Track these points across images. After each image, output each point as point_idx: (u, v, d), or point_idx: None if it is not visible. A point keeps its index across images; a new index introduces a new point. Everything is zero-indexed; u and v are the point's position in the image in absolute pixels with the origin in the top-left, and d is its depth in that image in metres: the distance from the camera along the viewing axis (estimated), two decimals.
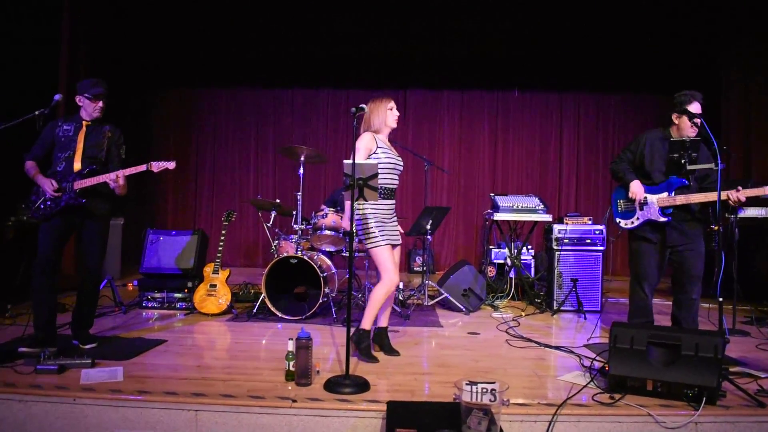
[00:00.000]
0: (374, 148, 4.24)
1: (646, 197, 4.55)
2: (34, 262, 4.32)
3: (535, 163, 10.17)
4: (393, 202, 4.40)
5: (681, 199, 4.40)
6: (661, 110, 8.90)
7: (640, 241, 4.65)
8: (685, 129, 4.47)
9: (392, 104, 4.40)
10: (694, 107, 4.43)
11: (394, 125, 4.41)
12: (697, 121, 4.36)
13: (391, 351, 4.45)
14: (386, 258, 4.22)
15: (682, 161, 4.34)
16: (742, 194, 4.21)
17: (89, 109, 4.46)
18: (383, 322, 4.53)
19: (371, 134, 4.30)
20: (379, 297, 4.24)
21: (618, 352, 3.56)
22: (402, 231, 4.60)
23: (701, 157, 4.40)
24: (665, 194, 4.49)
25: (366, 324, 4.29)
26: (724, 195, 4.19)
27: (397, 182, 4.40)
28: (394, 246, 4.37)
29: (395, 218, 4.46)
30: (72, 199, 4.33)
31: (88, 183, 4.35)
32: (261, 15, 8.40)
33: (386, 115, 4.35)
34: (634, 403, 3.36)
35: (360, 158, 4.15)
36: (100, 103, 4.47)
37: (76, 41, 7.41)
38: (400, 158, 4.42)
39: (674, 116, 4.54)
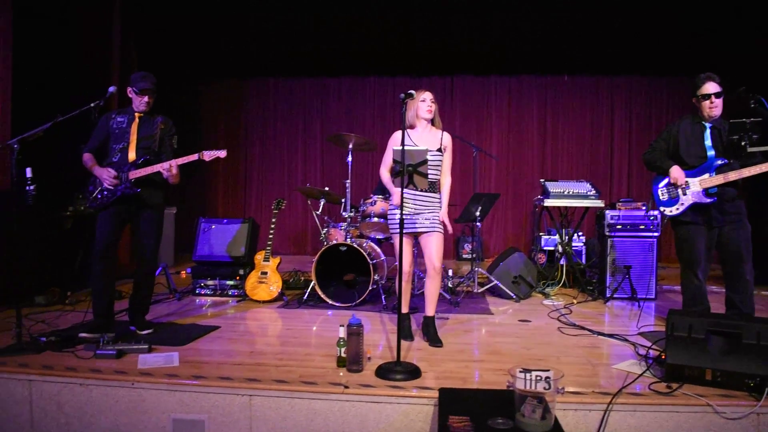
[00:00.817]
0: (396, 145, 4.17)
1: (687, 181, 4.45)
2: (93, 251, 4.44)
3: (586, 149, 9.97)
4: (430, 195, 4.37)
5: (732, 175, 4.25)
6: None
7: (687, 226, 4.53)
8: (705, 110, 4.42)
9: (425, 95, 4.38)
10: (710, 87, 4.37)
11: (427, 116, 4.37)
12: (715, 101, 4.35)
13: (434, 341, 4.36)
14: (399, 248, 4.18)
15: (743, 143, 4.17)
16: None
17: (136, 102, 4.58)
18: (428, 311, 4.48)
19: (399, 132, 4.22)
20: (401, 285, 4.18)
21: (675, 340, 3.47)
22: (435, 221, 4.40)
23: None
24: (706, 175, 4.39)
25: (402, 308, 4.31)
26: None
27: (434, 176, 4.37)
28: (421, 234, 4.38)
29: (431, 210, 4.38)
30: (128, 188, 4.43)
31: (143, 173, 4.45)
32: (307, 4, 8.41)
33: (418, 107, 4.35)
34: (692, 392, 3.27)
35: (388, 157, 4.38)
36: (146, 98, 4.56)
37: (127, 33, 7.58)
38: (432, 152, 4.30)
39: (694, 100, 4.51)
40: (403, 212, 4.23)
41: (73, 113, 4.37)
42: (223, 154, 4.59)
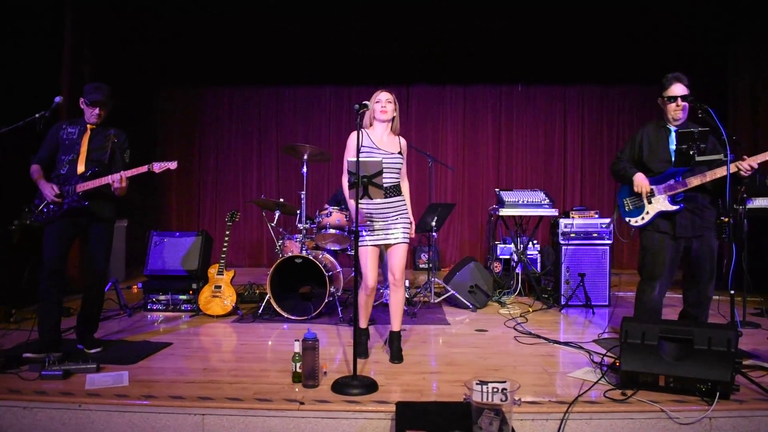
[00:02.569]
0: (356, 147, 4.07)
1: (652, 189, 4.35)
2: (40, 266, 4.29)
3: (540, 157, 10.10)
4: (393, 200, 4.25)
5: (694, 181, 4.21)
6: None
7: (653, 235, 4.38)
8: (670, 112, 4.36)
9: (380, 96, 4.23)
10: (676, 89, 4.30)
11: (381, 117, 4.22)
12: (681, 103, 4.29)
13: (394, 358, 4.26)
14: (363, 261, 4.17)
15: (691, 152, 4.21)
16: (751, 160, 4.05)
17: (87, 114, 4.46)
18: (395, 325, 4.37)
19: (361, 132, 4.11)
20: (359, 300, 4.14)
21: (629, 347, 3.51)
22: (406, 230, 4.33)
23: (709, 148, 4.28)
24: (671, 181, 4.31)
25: (360, 322, 4.20)
26: (733, 167, 4.04)
27: (394, 179, 4.25)
28: (387, 246, 4.28)
29: (394, 217, 4.26)
30: (75, 201, 4.31)
31: (91, 185, 4.33)
32: (262, 13, 8.34)
33: (373, 108, 4.22)
34: (646, 399, 3.31)
35: (350, 156, 4.10)
36: (96, 110, 4.43)
37: (78, 42, 7.35)
38: (393, 154, 4.23)
39: (659, 101, 4.43)
40: (375, 226, 4.20)
41: (17, 124, 4.23)
42: (173, 165, 4.47)
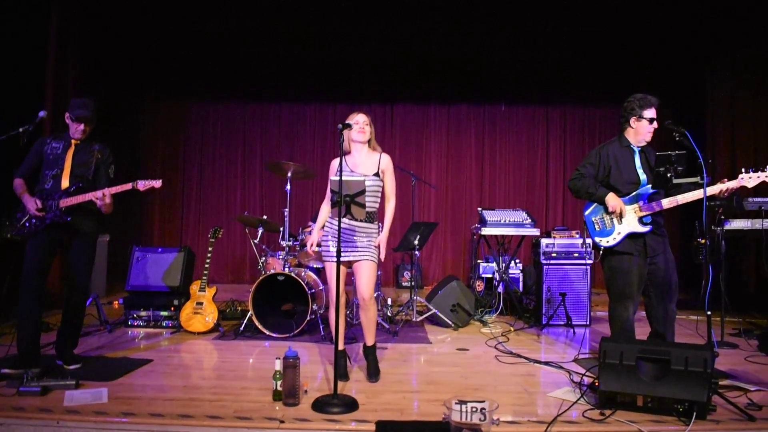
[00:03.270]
0: (335, 173, 4.12)
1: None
2: (20, 280, 4.26)
3: (523, 177, 10.19)
4: (367, 225, 4.25)
5: (667, 203, 4.26)
6: None
7: (621, 256, 4.37)
8: (643, 133, 4.42)
9: (357, 117, 4.27)
10: (653, 111, 4.39)
11: (358, 138, 4.26)
12: (654, 125, 4.38)
13: (370, 375, 4.25)
14: (328, 276, 4.25)
15: (668, 175, 4.28)
16: (731, 183, 4.13)
17: (72, 129, 4.47)
18: (367, 341, 4.39)
19: (336, 160, 4.21)
20: (332, 315, 4.12)
21: (607, 367, 3.55)
22: (372, 251, 4.30)
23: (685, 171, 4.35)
24: (640, 203, 4.35)
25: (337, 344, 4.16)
26: (716, 189, 4.13)
27: (373, 206, 4.27)
28: (352, 263, 4.28)
29: (361, 239, 4.25)
30: (57, 216, 4.31)
31: (74, 201, 4.33)
32: (249, 30, 8.40)
33: (351, 130, 4.26)
34: (624, 419, 3.35)
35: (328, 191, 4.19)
36: (81, 126, 4.45)
37: (63, 56, 7.36)
38: (368, 177, 4.21)
39: (632, 120, 4.46)
40: (330, 241, 4.24)
41: None
42: (158, 184, 4.50)
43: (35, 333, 4.32)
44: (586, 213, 4.59)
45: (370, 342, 4.40)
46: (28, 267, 4.27)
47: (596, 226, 4.49)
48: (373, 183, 4.24)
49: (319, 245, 5.82)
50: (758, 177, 4.13)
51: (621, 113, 4.58)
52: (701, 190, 4.12)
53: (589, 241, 6.23)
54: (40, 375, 3.91)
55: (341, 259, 4.14)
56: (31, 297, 4.25)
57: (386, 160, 4.39)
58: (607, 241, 4.40)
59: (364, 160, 4.33)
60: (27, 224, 4.32)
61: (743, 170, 4.19)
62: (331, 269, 4.22)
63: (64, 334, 4.52)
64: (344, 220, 4.13)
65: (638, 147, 4.49)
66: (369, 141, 4.36)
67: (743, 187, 4.19)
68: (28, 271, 4.26)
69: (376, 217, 4.35)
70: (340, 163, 3.90)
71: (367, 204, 4.11)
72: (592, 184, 4.51)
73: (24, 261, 4.29)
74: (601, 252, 4.46)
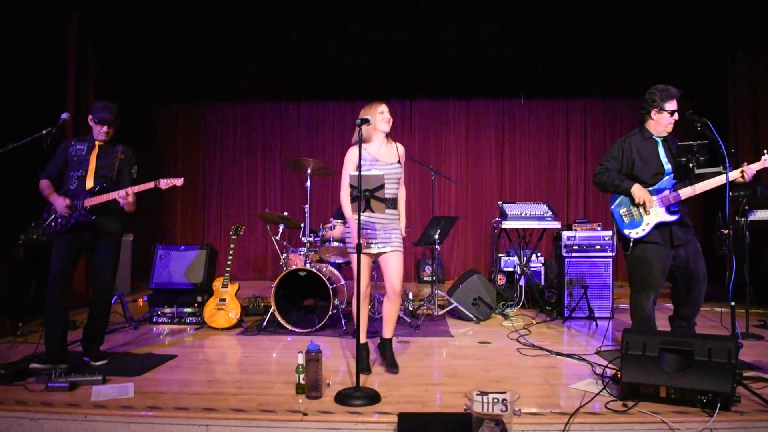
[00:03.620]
0: (357, 162, 4.13)
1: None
2: (48, 279, 4.34)
3: (543, 171, 10.13)
4: (390, 211, 4.28)
5: (687, 192, 4.28)
6: None
7: (645, 245, 4.39)
8: (664, 125, 4.43)
9: (382, 107, 4.32)
10: (675, 103, 4.39)
11: (385, 128, 4.31)
12: (676, 116, 4.38)
13: (390, 366, 4.29)
14: (356, 267, 4.13)
15: (690, 165, 4.26)
16: (752, 167, 4.15)
17: (95, 131, 4.56)
18: (386, 333, 4.44)
19: (355, 147, 4.24)
20: (355, 308, 4.18)
21: (630, 359, 3.53)
22: (399, 240, 4.37)
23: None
24: (665, 192, 4.37)
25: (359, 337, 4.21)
26: (737, 173, 4.15)
27: (393, 192, 4.30)
28: (381, 254, 4.30)
29: (389, 227, 4.30)
30: (82, 216, 4.39)
31: (98, 200, 4.41)
32: (266, 29, 8.43)
33: (375, 120, 4.29)
34: (647, 410, 3.33)
35: (345, 180, 4.21)
36: (105, 128, 4.54)
37: (83, 58, 7.46)
38: (392, 165, 4.31)
39: (654, 112, 4.46)
40: (364, 233, 4.21)
41: (23, 141, 4.32)
42: (179, 182, 4.57)
43: (63, 330, 4.40)
44: (613, 206, 4.61)
45: (389, 334, 4.44)
46: (55, 266, 4.35)
47: (625, 219, 4.50)
48: (398, 170, 4.33)
49: (342, 241, 5.87)
50: None
51: (642, 104, 4.57)
52: (719, 177, 4.12)
53: (608, 232, 6.27)
54: (67, 371, 3.99)
55: (371, 251, 4.24)
56: (57, 295, 4.33)
57: (402, 150, 4.50)
58: (637, 233, 4.42)
59: (386, 149, 4.38)
60: (53, 224, 4.40)
61: (766, 151, 4.17)
62: (357, 261, 4.21)
63: (91, 332, 4.60)
64: (376, 214, 4.15)
65: (660, 138, 4.48)
66: (387, 132, 4.41)
67: None
68: (55, 270, 4.34)
69: (396, 203, 4.39)
70: (360, 158, 3.90)
71: (389, 192, 4.17)
72: (617, 177, 4.51)
73: (51, 261, 4.37)
74: (631, 244, 4.45)
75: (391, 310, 4.39)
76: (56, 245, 4.42)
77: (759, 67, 7.92)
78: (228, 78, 9.88)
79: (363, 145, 4.26)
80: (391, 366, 4.30)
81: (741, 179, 4.20)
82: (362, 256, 4.19)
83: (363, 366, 4.19)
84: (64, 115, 4.52)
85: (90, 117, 4.56)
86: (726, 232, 4.23)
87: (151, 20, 8.12)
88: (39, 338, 4.58)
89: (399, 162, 4.39)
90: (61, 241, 4.42)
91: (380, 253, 4.31)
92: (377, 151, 4.34)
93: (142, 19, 8.08)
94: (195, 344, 5.32)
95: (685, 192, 4.30)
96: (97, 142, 4.57)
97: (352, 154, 4.33)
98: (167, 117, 10.39)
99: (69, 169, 4.53)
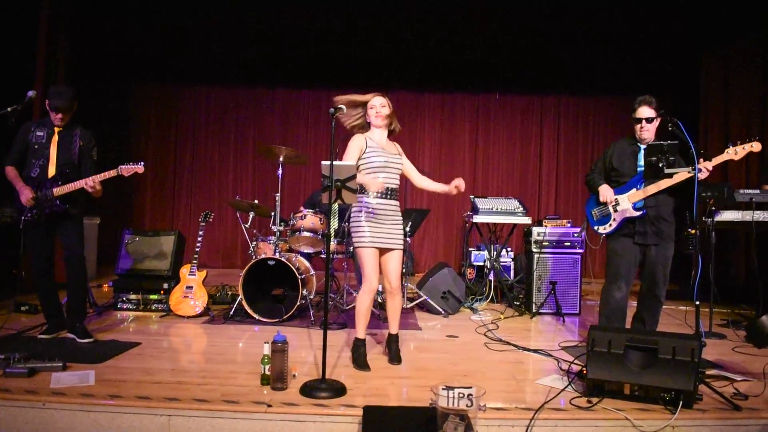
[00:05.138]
0: (365, 149, 4.15)
1: (617, 198, 4.53)
2: (33, 266, 4.75)
3: (516, 166, 10.19)
4: (393, 202, 4.25)
5: (651, 189, 4.39)
6: None
7: (618, 239, 4.57)
8: (637, 132, 4.54)
9: (373, 101, 4.23)
10: (643, 111, 4.47)
11: (378, 123, 4.24)
12: (645, 125, 4.46)
13: (393, 359, 4.32)
14: (368, 262, 4.11)
15: (660, 165, 4.32)
16: (716, 159, 4.25)
17: (51, 116, 4.60)
18: (392, 329, 4.40)
19: (363, 137, 4.21)
20: (361, 305, 4.17)
21: (596, 355, 3.56)
22: (401, 237, 4.33)
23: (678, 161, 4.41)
24: (634, 189, 4.48)
25: (357, 332, 4.25)
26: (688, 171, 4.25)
27: (396, 182, 4.26)
28: (385, 250, 4.23)
29: (396, 221, 4.26)
30: (56, 206, 4.53)
31: (66, 190, 4.53)
32: (243, 13, 8.33)
33: (368, 114, 4.25)
34: (611, 406, 3.35)
35: (351, 158, 4.12)
36: (60, 115, 4.57)
37: (54, 35, 7.26)
38: (397, 156, 4.30)
39: (632, 121, 4.58)
40: (379, 226, 4.16)
41: None
42: (140, 168, 4.70)
43: (56, 304, 4.85)
44: (587, 207, 4.84)
45: (395, 330, 4.40)
46: (36, 255, 4.68)
47: (595, 217, 4.74)
48: (398, 162, 4.29)
49: (314, 231, 5.82)
50: (743, 149, 4.24)
51: None
52: (679, 174, 4.27)
53: (576, 229, 6.34)
54: (27, 357, 3.89)
55: (378, 246, 4.16)
56: (46, 279, 4.74)
57: (399, 147, 4.48)
58: (605, 228, 4.64)
59: (386, 141, 4.34)
60: (28, 216, 4.54)
61: (729, 145, 4.29)
62: (369, 255, 4.14)
63: (72, 307, 4.75)
64: (383, 200, 4.16)
65: (644, 146, 4.56)
66: (392, 123, 4.36)
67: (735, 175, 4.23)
68: (38, 256, 4.69)
69: (397, 194, 4.32)
70: (331, 148, 3.84)
71: (391, 182, 4.20)
72: (597, 178, 4.75)
73: (31, 248, 4.64)
74: (602, 239, 4.71)
75: (393, 306, 4.37)
76: (33, 235, 4.62)
77: (731, 66, 8.05)
78: (203, 61, 9.76)
79: (367, 134, 4.26)
80: (393, 359, 4.31)
81: (704, 173, 4.25)
82: (371, 250, 4.14)
83: (361, 363, 4.16)
84: (30, 93, 4.50)
85: (46, 101, 4.56)
86: (693, 231, 4.29)
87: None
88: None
89: (400, 154, 4.39)
90: (39, 231, 4.61)
91: (387, 249, 4.23)
92: (380, 141, 4.28)
93: None
94: (160, 332, 5.24)
95: (648, 189, 4.41)
96: (56, 128, 4.61)
97: (353, 142, 4.22)
98: (139, 98, 10.21)
99: (30, 156, 4.61)
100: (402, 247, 4.31)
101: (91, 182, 4.47)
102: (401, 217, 4.35)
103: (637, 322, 4.69)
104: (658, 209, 4.45)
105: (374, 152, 4.17)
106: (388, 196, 4.21)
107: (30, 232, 4.60)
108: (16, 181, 4.54)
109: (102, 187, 4.56)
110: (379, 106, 4.23)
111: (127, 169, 4.61)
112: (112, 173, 4.57)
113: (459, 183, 4.33)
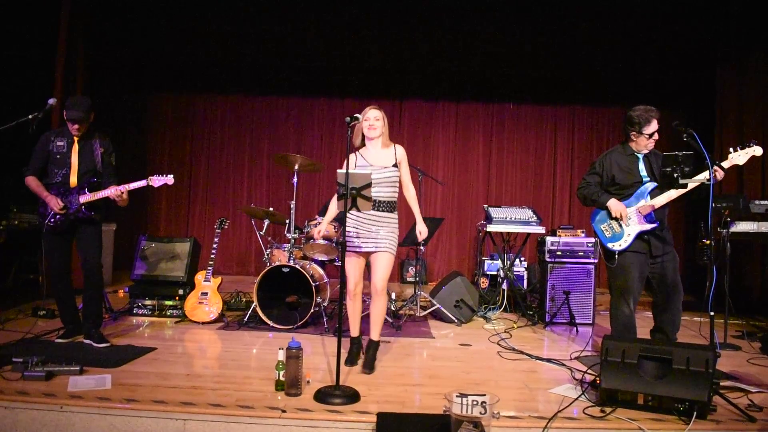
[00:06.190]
0: (354, 168, 4.23)
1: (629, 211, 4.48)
2: (51, 272, 4.80)
3: (529, 176, 10.16)
4: (383, 214, 4.34)
5: (661, 200, 4.37)
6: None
7: (628, 254, 4.46)
8: (642, 145, 4.50)
9: (367, 114, 4.33)
10: (655, 124, 4.44)
11: (369, 134, 4.35)
12: (654, 137, 4.45)
13: (365, 366, 4.28)
14: (345, 265, 4.23)
15: (675, 175, 4.30)
16: (720, 170, 4.22)
17: (69, 126, 4.65)
18: (373, 335, 4.44)
19: (355, 155, 4.36)
20: (345, 306, 4.29)
21: (609, 365, 3.56)
22: (392, 242, 4.40)
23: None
24: (643, 201, 4.44)
25: (350, 331, 4.44)
26: (703, 177, 4.21)
27: (386, 195, 4.35)
28: (369, 254, 4.35)
29: (381, 229, 4.33)
30: (81, 213, 4.61)
31: (94, 197, 4.62)
32: (258, 23, 8.41)
33: (361, 126, 4.34)
34: (624, 416, 3.35)
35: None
36: (76, 126, 4.62)
37: (72, 45, 7.35)
38: (386, 169, 4.34)
39: (633, 134, 4.52)
40: (354, 232, 4.29)
41: (8, 125, 4.29)
42: (170, 180, 4.88)
43: (74, 310, 4.92)
44: (594, 222, 4.71)
45: (375, 336, 4.44)
46: (55, 259, 4.73)
47: (606, 233, 4.59)
48: (392, 174, 4.37)
49: (329, 239, 5.87)
50: (746, 153, 4.26)
51: (624, 121, 4.65)
52: (690, 183, 4.24)
53: (591, 239, 6.31)
54: (44, 361, 3.94)
55: (361, 250, 4.30)
56: (64, 284, 4.80)
57: (401, 151, 4.51)
58: (620, 245, 4.49)
59: (379, 154, 4.41)
60: (52, 222, 4.59)
61: (731, 149, 4.29)
62: (348, 260, 4.32)
63: (89, 313, 4.80)
64: (362, 213, 4.21)
65: (641, 154, 4.56)
66: (381, 137, 4.42)
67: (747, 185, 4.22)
68: (56, 262, 4.74)
69: (396, 206, 4.42)
70: (347, 156, 3.89)
71: (384, 195, 4.28)
72: (596, 191, 4.64)
73: (49, 254, 4.69)
74: (616, 256, 4.52)
75: (376, 310, 4.41)
76: (53, 240, 4.67)
77: (746, 77, 8.01)
78: (218, 70, 9.81)
79: (361, 150, 4.36)
80: (366, 366, 4.28)
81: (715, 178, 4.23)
82: (352, 255, 4.29)
83: (352, 358, 4.31)
84: (51, 100, 4.56)
85: (64, 112, 4.62)
86: (707, 242, 4.28)
87: (141, 10, 8.07)
88: (18, 326, 4.58)
89: (395, 165, 4.40)
90: (58, 238, 4.67)
91: (369, 253, 4.34)
92: (372, 157, 4.38)
93: (133, 7, 8.02)
94: (175, 337, 5.29)
95: (659, 200, 4.39)
96: (75, 137, 4.67)
97: (348, 160, 4.29)
98: (156, 107, 10.27)
99: (51, 166, 4.67)
100: (388, 250, 4.34)
101: (118, 191, 4.57)
102: (394, 224, 4.43)
103: (657, 333, 4.64)
104: (662, 219, 4.47)
105: (362, 170, 4.24)
106: (378, 209, 4.30)
107: (50, 237, 4.66)
108: (40, 191, 4.61)
109: (128, 196, 4.66)
110: (372, 119, 4.35)
111: (157, 180, 4.74)
112: (143, 183, 4.67)
113: (422, 230, 4.55)
